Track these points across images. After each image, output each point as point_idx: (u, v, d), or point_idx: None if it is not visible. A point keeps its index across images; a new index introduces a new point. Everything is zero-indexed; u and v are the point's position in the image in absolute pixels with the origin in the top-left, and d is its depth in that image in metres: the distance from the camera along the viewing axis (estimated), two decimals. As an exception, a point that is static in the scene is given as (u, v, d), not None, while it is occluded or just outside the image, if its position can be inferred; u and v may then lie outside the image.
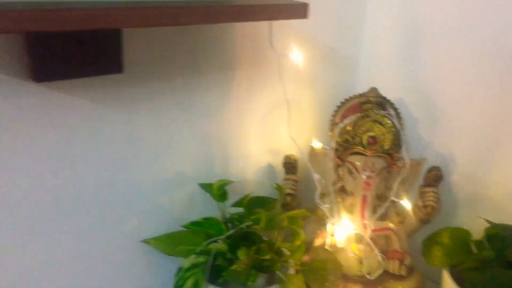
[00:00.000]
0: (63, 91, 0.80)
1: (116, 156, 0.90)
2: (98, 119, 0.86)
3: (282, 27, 1.04)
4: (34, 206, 0.81)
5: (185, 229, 0.98)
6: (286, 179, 1.15)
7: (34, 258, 0.84)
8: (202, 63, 0.97)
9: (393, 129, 1.06)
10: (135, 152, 0.93)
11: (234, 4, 0.77)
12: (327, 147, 1.14)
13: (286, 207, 1.10)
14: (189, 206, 1.05)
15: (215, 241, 0.91)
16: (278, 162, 1.18)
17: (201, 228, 0.97)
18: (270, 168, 1.20)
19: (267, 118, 1.14)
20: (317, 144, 1.15)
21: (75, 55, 0.77)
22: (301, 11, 0.85)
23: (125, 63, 0.85)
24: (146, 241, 0.97)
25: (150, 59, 0.90)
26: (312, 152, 1.16)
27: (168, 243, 0.96)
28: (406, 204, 1.09)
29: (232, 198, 1.03)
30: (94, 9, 0.61)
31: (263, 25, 1.01)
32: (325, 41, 1.19)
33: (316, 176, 1.10)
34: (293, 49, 1.03)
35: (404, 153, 1.08)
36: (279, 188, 1.04)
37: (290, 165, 1.15)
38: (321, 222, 1.10)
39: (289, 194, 1.11)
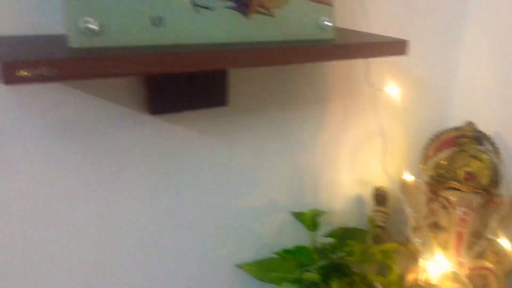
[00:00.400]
0: (174, 122, 0.87)
1: (216, 183, 0.95)
2: (202, 148, 0.92)
3: (378, 61, 1.06)
4: (140, 229, 0.88)
5: (277, 256, 1.01)
6: (376, 211, 1.15)
7: (134, 277, 0.90)
8: (298, 97, 1.01)
9: (491, 165, 1.03)
10: (233, 180, 0.98)
11: (334, 43, 0.80)
12: (420, 180, 1.13)
13: (376, 239, 1.10)
14: (281, 233, 1.08)
15: (308, 271, 0.93)
16: (367, 193, 1.18)
17: (293, 256, 0.99)
18: (359, 199, 1.20)
19: (358, 149, 1.16)
20: (409, 177, 1.15)
21: (186, 90, 0.83)
22: (400, 48, 0.86)
23: (229, 96, 0.91)
24: (239, 266, 1.01)
25: (252, 93, 0.95)
26: (404, 184, 1.15)
27: (261, 269, 0.99)
28: (505, 243, 1.05)
29: (322, 227, 1.04)
30: (210, 52, 0.67)
31: (359, 60, 1.03)
32: (420, 74, 1.19)
33: (407, 210, 1.10)
34: (389, 83, 1.04)
35: (502, 189, 1.05)
36: (370, 220, 1.04)
37: (380, 196, 1.15)
38: (413, 257, 1.09)
39: (379, 227, 1.11)
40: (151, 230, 0.89)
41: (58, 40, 0.66)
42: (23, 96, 0.72)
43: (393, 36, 0.90)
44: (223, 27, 0.73)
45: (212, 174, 0.94)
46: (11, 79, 0.53)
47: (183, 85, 0.83)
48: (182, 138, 0.89)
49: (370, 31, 0.98)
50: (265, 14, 0.76)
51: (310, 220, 1.00)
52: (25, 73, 0.53)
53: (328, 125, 1.08)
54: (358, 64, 1.04)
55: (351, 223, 1.17)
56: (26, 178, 0.75)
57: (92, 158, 0.80)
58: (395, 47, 0.86)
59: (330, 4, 0.83)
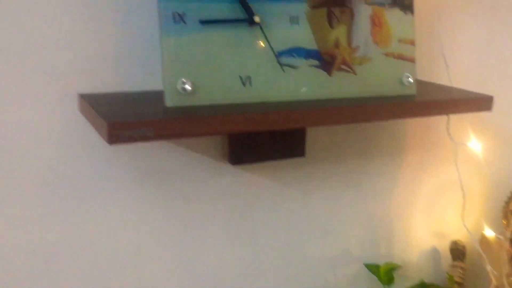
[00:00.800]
0: (252, 172, 0.89)
1: (291, 231, 0.96)
2: (278, 197, 0.93)
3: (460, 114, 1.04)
4: (215, 274, 0.90)
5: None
6: (453, 266, 1.10)
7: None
8: (375, 147, 1.01)
9: None
10: (307, 229, 0.98)
11: (416, 101, 0.80)
12: (501, 237, 1.08)
13: (453, 296, 1.06)
14: (354, 285, 1.06)
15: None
16: (443, 246, 1.14)
17: (366, 310, 0.97)
18: (435, 253, 1.17)
19: (436, 201, 1.13)
20: (490, 232, 1.10)
21: (266, 142, 0.86)
22: (485, 105, 0.85)
23: (307, 147, 0.92)
24: (311, 316, 1.00)
25: (329, 143, 0.96)
26: (484, 240, 1.11)
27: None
28: None
29: (396, 281, 1.02)
30: (294, 111, 0.69)
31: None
32: (503, 127, 1.15)
33: (488, 267, 1.05)
34: (470, 136, 1.01)
35: None
36: (448, 276, 1.01)
37: (458, 251, 1.11)
38: (494, 318, 1.03)
39: (457, 283, 1.07)
40: (226, 276, 0.91)
41: (152, 98, 0.71)
42: (117, 145, 0.77)
43: (475, 90, 0.89)
44: (307, 84, 0.75)
45: (287, 223, 0.95)
46: (114, 139, 0.57)
47: (263, 137, 0.85)
48: (259, 187, 0.91)
49: (451, 83, 0.97)
50: (348, 71, 0.78)
51: (385, 274, 0.98)
52: (127, 134, 0.58)
53: (405, 175, 1.07)
54: (437, 118, 1.02)
55: (426, 277, 1.13)
56: (116, 221, 0.79)
57: (175, 204, 0.83)
58: (479, 103, 0.85)
59: (412, 61, 0.83)
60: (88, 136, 0.73)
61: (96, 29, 0.71)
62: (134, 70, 0.75)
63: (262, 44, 0.71)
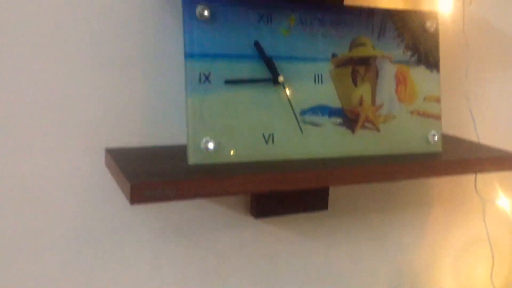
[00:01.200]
0: (274, 225, 0.88)
1: (314, 285, 0.94)
2: (300, 250, 0.92)
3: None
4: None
5: None
6: (482, 326, 1.06)
7: None
8: (398, 200, 0.99)
9: None
10: (331, 282, 0.96)
11: (441, 159, 0.79)
12: (533, 297, 1.03)
13: None
14: None
15: None
16: (472, 304, 1.10)
17: None
18: (462, 309, 1.13)
19: (463, 257, 1.09)
20: (521, 292, 1.06)
21: (288, 195, 0.85)
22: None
23: (329, 200, 0.91)
24: None
25: (352, 196, 0.95)
26: (514, 300, 1.06)
27: None
28: None
29: None
30: (317, 170, 0.68)
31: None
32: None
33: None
34: (498, 193, 0.99)
35: None
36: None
37: (487, 310, 1.07)
38: None
39: None
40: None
41: (176, 153, 0.72)
42: (140, 198, 0.77)
43: (503, 146, 0.87)
44: (330, 142, 0.75)
45: (308, 277, 0.94)
46: (136, 200, 0.58)
47: (284, 192, 0.85)
48: (281, 241, 0.90)
49: (478, 139, 0.95)
50: (372, 129, 0.78)
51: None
52: (148, 194, 0.58)
53: (431, 230, 1.04)
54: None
55: (453, 336, 1.09)
56: (138, 273, 0.79)
57: (197, 256, 0.83)
58: (507, 163, 0.83)
59: (438, 118, 0.82)
60: (112, 189, 0.75)
61: (124, 86, 0.73)
62: (160, 125, 0.76)
63: (285, 103, 0.72)
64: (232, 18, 0.69)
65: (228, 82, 0.69)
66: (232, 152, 0.69)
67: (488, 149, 0.88)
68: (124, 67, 0.73)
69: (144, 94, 0.75)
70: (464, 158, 0.80)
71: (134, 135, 0.75)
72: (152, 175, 0.62)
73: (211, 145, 0.67)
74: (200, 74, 0.67)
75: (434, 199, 1.03)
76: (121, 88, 0.73)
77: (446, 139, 0.93)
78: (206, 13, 0.67)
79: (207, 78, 0.68)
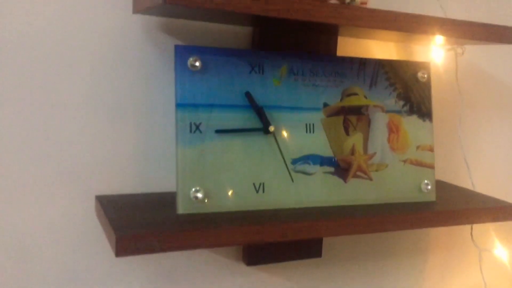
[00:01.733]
0: (267, 272, 0.87)
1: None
2: (293, 298, 0.90)
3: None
4: None
5: None
6: None
7: None
8: (394, 247, 0.98)
9: None
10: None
11: (435, 209, 0.78)
12: None
13: None
14: None
15: None
16: None
17: None
18: None
19: (462, 305, 1.07)
20: None
21: (280, 243, 0.84)
22: (509, 214, 0.82)
23: (323, 247, 0.90)
24: None
25: (346, 243, 0.93)
26: None
27: None
28: None
29: None
30: (308, 221, 0.68)
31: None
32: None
33: None
34: (496, 243, 0.98)
35: None
36: None
37: None
38: None
39: None
40: None
41: (166, 200, 0.72)
42: (130, 245, 0.77)
43: (499, 193, 0.87)
44: (322, 192, 0.74)
45: (302, 326, 0.92)
46: (122, 252, 0.57)
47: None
48: (274, 287, 0.89)
49: (473, 187, 0.95)
50: (364, 178, 0.77)
51: None
52: (134, 247, 0.58)
53: (427, 277, 1.02)
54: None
55: None
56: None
57: (186, 304, 0.82)
58: (503, 213, 0.82)
59: (431, 167, 0.82)
60: (102, 236, 0.74)
61: (117, 133, 0.74)
62: (151, 172, 0.76)
63: (276, 152, 0.72)
64: (224, 68, 0.70)
65: (219, 131, 0.69)
66: (222, 202, 0.69)
67: (483, 198, 0.87)
68: (116, 115, 0.74)
69: (136, 142, 0.75)
70: (458, 209, 0.80)
71: (126, 182, 0.75)
72: (139, 226, 0.61)
73: (200, 195, 0.67)
74: (191, 123, 0.68)
75: (430, 246, 1.01)
76: (113, 136, 0.74)
77: (441, 186, 0.92)
78: (197, 64, 0.68)
79: (197, 127, 0.68)
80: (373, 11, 0.65)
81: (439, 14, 0.90)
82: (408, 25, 0.68)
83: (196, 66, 0.68)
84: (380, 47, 0.89)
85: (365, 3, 0.69)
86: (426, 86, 0.83)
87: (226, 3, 0.58)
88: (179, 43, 0.76)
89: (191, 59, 0.68)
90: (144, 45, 0.74)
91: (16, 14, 0.67)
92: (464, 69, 0.93)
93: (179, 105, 0.67)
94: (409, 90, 0.82)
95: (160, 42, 0.75)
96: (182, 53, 0.68)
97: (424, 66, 0.83)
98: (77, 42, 0.71)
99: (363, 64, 0.79)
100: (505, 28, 0.75)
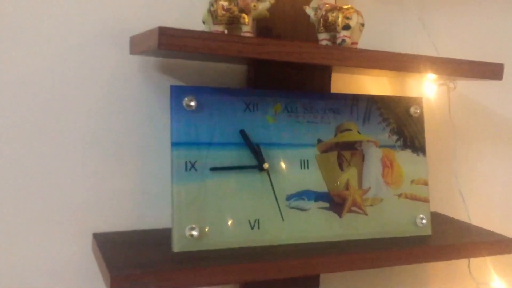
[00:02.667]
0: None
1: None
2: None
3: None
4: None
5: None
6: None
7: None
8: (392, 279, 0.98)
9: None
10: None
11: (430, 244, 0.78)
12: None
13: None
14: None
15: None
16: None
17: None
18: None
19: None
20: None
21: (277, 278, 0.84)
22: (506, 248, 0.82)
23: (320, 279, 0.90)
24: None
25: (344, 276, 0.93)
26: None
27: None
28: None
29: None
30: (303, 258, 0.68)
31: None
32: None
33: None
34: (494, 277, 0.97)
35: None
36: None
37: None
38: None
39: None
40: None
41: (162, 237, 0.72)
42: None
43: (496, 225, 0.87)
44: (317, 227, 0.75)
45: None
46: (116, 292, 0.58)
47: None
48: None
49: (470, 220, 0.95)
50: (359, 213, 0.78)
51: None
52: (129, 286, 0.58)
53: (427, 311, 1.02)
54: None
55: None
56: None
57: None
58: (500, 247, 0.82)
59: (426, 201, 0.83)
60: (99, 275, 0.75)
61: (113, 171, 0.75)
62: (147, 210, 0.77)
63: (271, 189, 0.73)
64: (218, 107, 0.71)
65: (214, 169, 0.70)
66: (217, 239, 0.69)
67: (480, 231, 0.87)
68: (113, 153, 0.75)
69: (133, 180, 0.76)
70: (454, 244, 0.80)
71: (123, 219, 0.76)
72: (134, 265, 0.62)
73: (195, 232, 0.68)
74: (186, 162, 0.69)
75: (428, 279, 1.01)
76: (111, 174, 0.75)
77: (437, 218, 0.92)
78: (193, 103, 0.70)
79: (193, 165, 0.69)
80: (362, 51, 0.67)
81: (431, 49, 0.92)
82: (398, 64, 0.70)
83: (191, 105, 0.70)
84: (373, 82, 0.91)
85: (356, 43, 0.70)
86: (419, 121, 0.84)
87: (219, 47, 0.59)
88: (176, 82, 0.78)
89: (186, 99, 0.69)
90: (141, 85, 0.76)
91: (17, 56, 0.69)
92: (457, 102, 0.95)
93: (174, 144, 0.68)
94: (402, 125, 0.83)
95: (157, 82, 0.77)
96: (177, 93, 0.69)
97: (416, 101, 0.84)
98: (76, 82, 0.73)
99: (356, 100, 0.80)
100: (492, 64, 0.76)
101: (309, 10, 0.74)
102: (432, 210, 0.91)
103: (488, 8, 1.00)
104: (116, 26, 0.74)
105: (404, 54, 0.70)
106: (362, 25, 0.70)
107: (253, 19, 0.69)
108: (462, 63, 0.74)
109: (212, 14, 0.67)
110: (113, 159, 0.75)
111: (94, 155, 0.74)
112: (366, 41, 0.88)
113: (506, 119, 1.04)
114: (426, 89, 0.88)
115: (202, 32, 0.59)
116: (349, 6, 0.69)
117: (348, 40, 0.68)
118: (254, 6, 0.68)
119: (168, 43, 0.57)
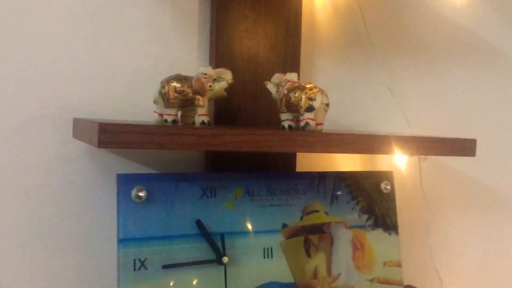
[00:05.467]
0: None
1: None
2: None
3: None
4: None
5: None
6: None
7: None
8: None
9: None
10: None
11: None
12: None
13: None
14: None
15: None
16: None
17: None
18: None
19: None
20: None
21: None
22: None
23: None
24: None
25: None
26: None
27: None
28: None
29: None
30: None
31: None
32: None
33: None
34: None
35: None
36: None
37: None
38: None
39: None
40: None
41: None
42: None
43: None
44: (283, 322, 0.68)
45: None
46: None
47: None
48: None
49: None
50: (329, 302, 0.72)
51: None
52: None
53: None
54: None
55: None
56: None
57: None
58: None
59: (400, 284, 0.77)
60: None
61: (54, 265, 0.67)
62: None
63: (232, 284, 0.66)
64: (172, 196, 0.65)
65: (167, 267, 0.63)
66: None
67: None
68: (54, 246, 0.67)
69: (76, 276, 0.68)
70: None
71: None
72: None
73: None
74: (134, 260, 0.61)
75: None
76: (51, 268, 0.67)
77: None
78: (142, 194, 0.63)
79: (142, 264, 0.62)
80: (328, 135, 0.62)
81: (403, 123, 0.88)
82: (367, 147, 0.64)
83: (140, 196, 0.62)
84: (341, 156, 0.86)
85: (321, 124, 0.65)
86: (390, 197, 0.79)
87: (169, 142, 0.53)
88: (124, 166, 0.71)
89: (135, 189, 0.62)
90: (85, 171, 0.68)
91: None
92: (429, 172, 0.90)
93: (121, 241, 0.61)
94: (372, 203, 0.78)
95: (103, 168, 0.69)
96: (125, 182, 0.62)
97: (387, 176, 0.79)
98: (13, 166, 0.65)
99: (322, 178, 0.75)
100: (465, 141, 0.72)
101: (270, 86, 0.69)
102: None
103: (460, 76, 0.97)
104: (59, 104, 0.67)
105: (374, 136, 0.65)
106: (327, 105, 0.64)
107: (210, 100, 0.63)
108: (435, 141, 0.70)
109: (163, 96, 0.61)
110: (54, 253, 0.67)
111: (32, 247, 0.66)
112: (332, 116, 0.84)
113: (478, 185, 1.00)
114: (396, 161, 0.84)
115: (147, 126, 0.52)
116: (312, 85, 0.64)
117: (312, 123, 0.62)
118: (210, 86, 0.62)
119: (109, 141, 0.50)
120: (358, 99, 0.88)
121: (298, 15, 0.79)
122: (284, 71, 0.76)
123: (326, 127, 0.84)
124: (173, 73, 0.63)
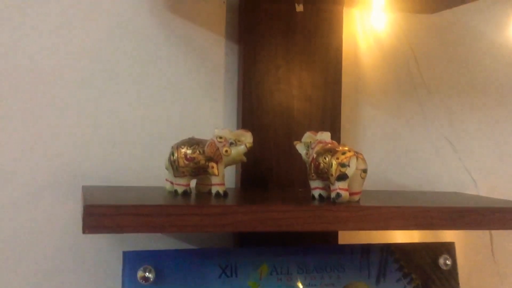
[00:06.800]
0: None
1: None
2: None
3: None
4: None
5: None
6: None
7: None
8: None
9: None
10: None
11: None
12: None
13: None
14: None
15: None
16: None
17: None
18: None
19: None
20: None
21: None
22: None
23: None
24: None
25: None
26: None
27: None
28: None
29: None
30: None
31: None
32: None
33: None
34: None
35: None
36: None
37: None
38: None
39: None
40: None
41: None
42: None
43: None
44: None
45: None
46: None
47: None
48: None
49: None
50: None
51: None
52: None
53: None
54: None
55: None
56: None
57: None
58: None
59: None
60: None
61: None
62: None
63: None
64: (184, 276, 0.56)
65: None
66: None
67: None
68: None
69: None
70: None
71: None
72: None
73: None
74: None
75: None
76: None
77: None
78: (150, 275, 0.55)
79: None
80: (364, 209, 0.51)
81: (467, 180, 0.76)
82: (420, 222, 0.52)
83: (148, 278, 0.55)
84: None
85: (358, 193, 0.55)
86: (451, 274, 0.66)
87: (168, 224, 0.45)
88: (132, 242, 0.64)
89: (141, 269, 0.55)
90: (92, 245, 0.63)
91: None
92: (502, 242, 0.76)
93: (125, 330, 0.54)
94: (429, 281, 0.65)
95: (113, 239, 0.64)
96: (131, 261, 0.55)
97: (447, 249, 0.67)
98: (20, 238, 0.60)
99: (366, 252, 0.64)
100: None
101: (300, 147, 0.60)
102: None
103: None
104: (69, 172, 0.63)
105: (430, 208, 0.53)
106: (364, 171, 0.54)
107: (226, 166, 0.55)
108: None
109: (172, 164, 0.54)
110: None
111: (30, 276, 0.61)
112: (384, 173, 0.73)
113: None
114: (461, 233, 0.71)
115: (143, 206, 0.45)
116: (346, 148, 0.54)
117: (344, 194, 0.52)
118: (226, 152, 0.54)
119: (96, 226, 0.43)
120: (414, 153, 0.76)
121: (338, 60, 0.70)
122: (323, 125, 0.67)
123: (376, 186, 0.73)
124: (197, 135, 0.56)
